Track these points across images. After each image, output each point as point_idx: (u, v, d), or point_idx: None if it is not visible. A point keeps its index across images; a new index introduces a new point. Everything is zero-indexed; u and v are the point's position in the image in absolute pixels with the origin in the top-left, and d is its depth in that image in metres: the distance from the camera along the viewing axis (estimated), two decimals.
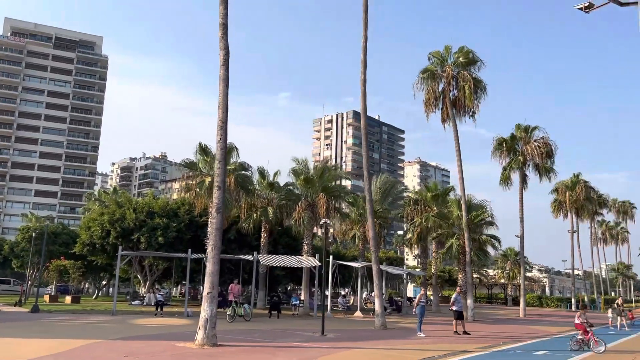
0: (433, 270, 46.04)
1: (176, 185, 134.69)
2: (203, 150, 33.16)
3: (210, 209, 33.60)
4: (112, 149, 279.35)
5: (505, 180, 45.13)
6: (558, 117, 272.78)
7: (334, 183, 38.81)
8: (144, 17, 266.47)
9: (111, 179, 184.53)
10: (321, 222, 23.53)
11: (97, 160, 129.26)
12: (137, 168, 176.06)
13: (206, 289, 15.78)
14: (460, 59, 36.90)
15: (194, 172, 33.88)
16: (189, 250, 30.06)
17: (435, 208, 43.19)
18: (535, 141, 44.46)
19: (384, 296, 30.57)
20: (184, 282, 47.53)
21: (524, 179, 45.21)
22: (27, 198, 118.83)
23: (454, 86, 37.26)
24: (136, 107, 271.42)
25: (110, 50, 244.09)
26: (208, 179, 31.65)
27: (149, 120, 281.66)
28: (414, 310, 21.53)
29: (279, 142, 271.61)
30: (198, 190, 32.30)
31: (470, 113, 36.16)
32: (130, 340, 16.00)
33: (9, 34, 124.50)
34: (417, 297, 21.80)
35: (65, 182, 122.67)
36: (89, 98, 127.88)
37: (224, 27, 17.29)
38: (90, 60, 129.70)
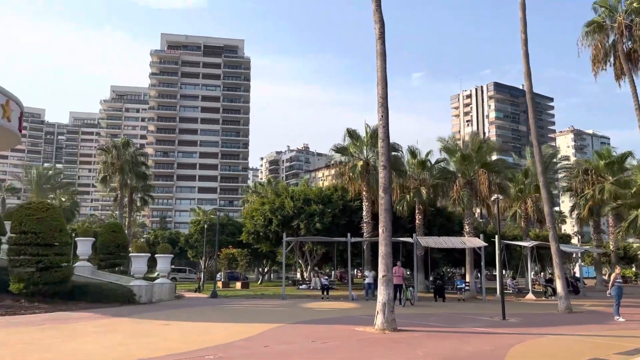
0: (612, 247, 41.00)
1: (319, 174, 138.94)
2: (351, 134, 32.99)
3: (364, 193, 33.45)
4: (260, 144, 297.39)
5: None
6: None
7: (489, 158, 36.29)
8: (273, 16, 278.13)
9: (261, 172, 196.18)
10: (493, 199, 21.77)
11: (248, 156, 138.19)
12: (283, 161, 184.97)
13: (381, 271, 15.24)
14: (635, 4, 31.86)
15: (345, 157, 33.90)
16: (348, 234, 30.10)
17: (610, 177, 38.27)
18: None
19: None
20: (339, 266, 48.37)
21: None
22: (192, 195, 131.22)
23: (628, 37, 32.38)
24: (278, 104, 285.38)
25: (251, 52, 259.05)
26: (360, 163, 31.41)
27: (290, 115, 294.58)
28: (608, 292, 18.94)
29: (414, 122, 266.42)
30: (351, 174, 32.23)
31: None
32: (309, 324, 16.13)
33: (165, 47, 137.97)
34: (612, 276, 19.13)
35: (222, 178, 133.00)
36: (237, 99, 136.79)
37: None
38: (234, 62, 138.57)
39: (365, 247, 33.12)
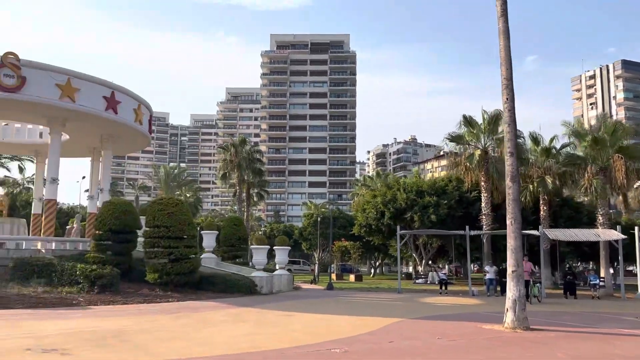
0: None
1: (428, 165, 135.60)
2: (468, 122, 31.44)
3: (482, 183, 31.76)
4: (367, 138, 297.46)
5: None
6: None
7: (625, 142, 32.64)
8: (376, 7, 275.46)
9: (368, 165, 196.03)
10: (636, 185, 19.45)
11: (355, 150, 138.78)
12: (390, 153, 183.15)
13: (510, 266, 14.18)
14: None
15: (460, 146, 32.42)
16: (466, 227, 28.77)
17: None
18: None
19: None
20: (455, 260, 46.61)
21: None
22: (302, 189, 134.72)
23: None
24: (383, 96, 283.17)
25: (356, 46, 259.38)
26: (478, 151, 29.84)
27: (395, 106, 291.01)
28: None
29: (529, 108, 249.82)
30: (468, 164, 30.75)
31: None
32: (432, 320, 15.52)
33: (275, 48, 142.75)
34: None
35: (330, 172, 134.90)
36: (343, 93, 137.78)
37: None
38: (340, 58, 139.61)
39: (485, 240, 31.49)
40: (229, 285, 21.57)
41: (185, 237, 20.86)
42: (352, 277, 42.35)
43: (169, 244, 20.36)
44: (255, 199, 53.30)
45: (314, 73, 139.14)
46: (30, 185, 49.32)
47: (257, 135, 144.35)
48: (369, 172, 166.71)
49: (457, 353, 10.16)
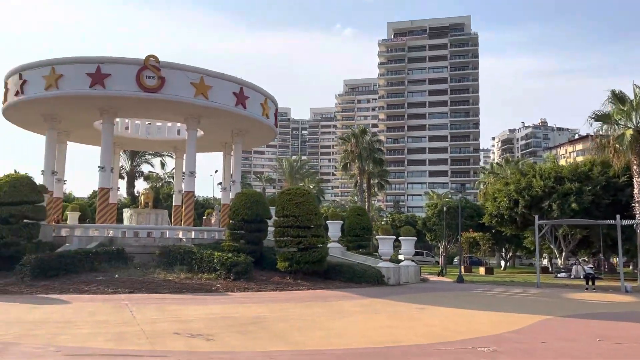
0: None
1: (561, 150, 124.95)
2: (617, 98, 27.92)
3: (634, 167, 28.21)
4: (490, 124, 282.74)
5: None
6: None
7: None
8: None
9: (492, 153, 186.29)
10: None
11: (479, 137, 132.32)
12: (517, 139, 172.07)
13: None
14: None
15: (607, 126, 28.98)
16: (617, 216, 25.66)
17: None
18: None
19: None
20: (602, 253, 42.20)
21: None
22: (422, 179, 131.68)
23: None
24: (508, 79, 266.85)
25: (477, 27, 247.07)
26: (629, 131, 26.45)
27: (522, 89, 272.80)
28: None
29: None
30: (617, 145, 27.40)
31: None
32: (583, 319, 13.91)
33: (392, 36, 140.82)
34: None
35: (452, 161, 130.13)
36: (464, 77, 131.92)
37: None
38: (461, 41, 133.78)
39: (639, 230, 27.93)
40: (356, 275, 21.39)
41: (312, 226, 21.03)
42: (481, 270, 40.24)
43: (297, 233, 20.66)
44: (375, 189, 52.89)
45: (433, 59, 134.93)
46: (171, 180, 53.62)
47: (375, 125, 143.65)
48: (493, 159, 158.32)
49: (629, 359, 8.81)
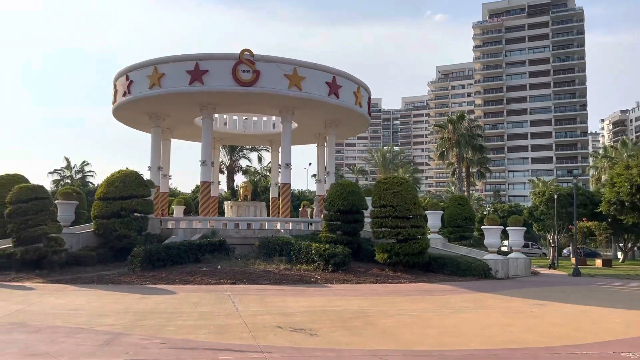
0: None
1: None
2: None
3: None
4: (598, 105, 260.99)
5: None
6: None
7: None
8: None
9: (602, 136, 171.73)
10: None
11: (587, 119, 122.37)
12: (630, 120, 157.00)
13: None
14: None
15: None
16: None
17: None
18: None
19: None
20: None
21: None
22: (524, 166, 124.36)
23: None
24: (618, 55, 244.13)
25: (582, 2, 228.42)
26: None
27: (635, 67, 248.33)
28: None
29: None
30: None
31: None
32: None
33: (487, 18, 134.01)
34: None
35: (557, 146, 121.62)
36: (569, 56, 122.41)
37: None
38: (564, 17, 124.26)
39: None
40: (460, 267, 20.14)
41: (411, 216, 20.08)
42: (598, 262, 36.80)
43: (396, 223, 19.81)
44: (475, 177, 50.37)
45: (532, 38, 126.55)
46: (268, 173, 54.85)
47: (470, 112, 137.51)
48: (602, 143, 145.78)
49: None
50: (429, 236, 23.96)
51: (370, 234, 24.77)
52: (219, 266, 19.08)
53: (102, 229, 21.55)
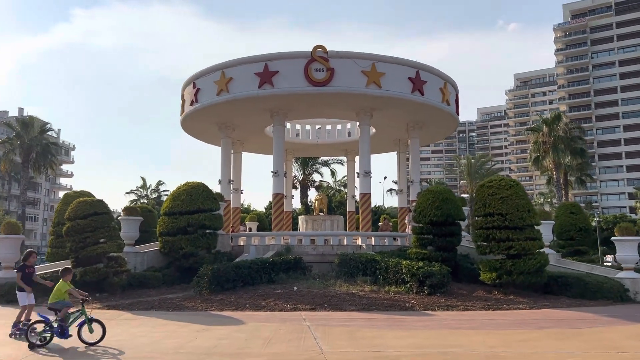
0: None
1: None
2: None
3: None
4: None
5: None
6: None
7: None
8: None
9: None
10: None
11: None
12: None
13: None
14: None
15: None
16: None
17: None
18: None
19: None
20: None
21: None
22: (618, 175, 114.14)
23: None
24: None
25: None
26: None
27: None
28: None
29: None
30: None
31: None
32: None
33: (569, 19, 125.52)
34: None
35: None
36: None
37: None
38: None
39: None
40: (589, 289, 16.19)
41: (525, 226, 16.46)
42: None
43: (506, 235, 16.26)
44: (574, 185, 44.92)
45: (622, 37, 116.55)
46: (342, 188, 52.28)
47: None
48: None
49: None
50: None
51: (468, 250, 21.34)
52: (295, 287, 16.47)
53: (167, 247, 19.64)
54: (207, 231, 19.97)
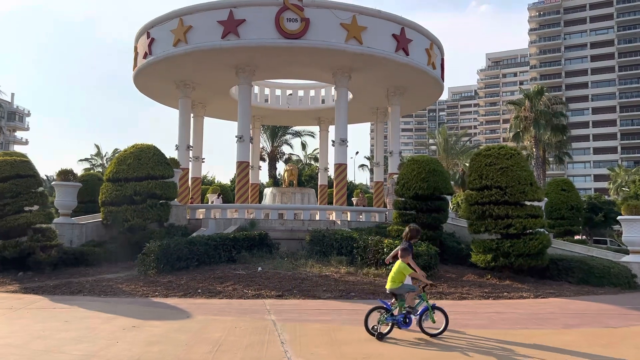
0: None
1: None
2: None
3: None
4: None
5: None
6: None
7: None
8: None
9: None
10: None
11: None
12: None
13: None
14: None
15: None
16: None
17: None
18: None
19: None
20: None
21: None
22: (585, 157, 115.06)
23: None
24: None
25: None
26: None
27: None
28: None
29: None
30: None
31: None
32: None
33: None
34: None
35: (623, 135, 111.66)
36: (636, 38, 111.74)
37: None
38: None
39: None
40: (594, 274, 14.23)
41: (526, 203, 14.30)
42: None
43: (505, 212, 14.05)
44: (552, 163, 43.55)
45: (595, 19, 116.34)
46: (312, 162, 49.71)
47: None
48: None
49: None
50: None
51: (453, 228, 19.23)
52: (259, 268, 14.02)
53: (111, 219, 16.80)
54: (158, 201, 17.18)
